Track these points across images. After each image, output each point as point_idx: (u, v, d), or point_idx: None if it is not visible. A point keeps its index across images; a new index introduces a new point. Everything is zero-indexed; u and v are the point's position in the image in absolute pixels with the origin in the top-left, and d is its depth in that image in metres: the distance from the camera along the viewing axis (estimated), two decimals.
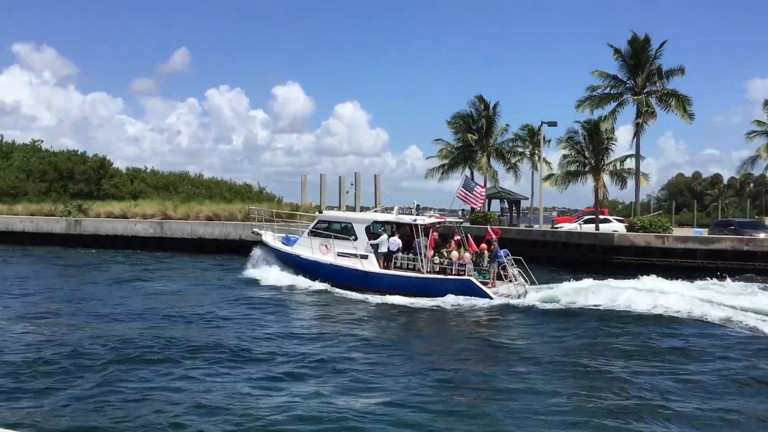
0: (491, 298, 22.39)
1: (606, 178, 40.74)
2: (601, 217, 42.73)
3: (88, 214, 47.70)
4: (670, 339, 16.91)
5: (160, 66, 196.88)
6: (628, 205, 70.37)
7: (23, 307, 19.73)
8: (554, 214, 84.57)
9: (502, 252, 24.01)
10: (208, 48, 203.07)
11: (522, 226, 48.45)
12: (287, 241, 27.66)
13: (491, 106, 50.79)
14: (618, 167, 40.92)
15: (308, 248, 25.97)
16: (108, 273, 29.42)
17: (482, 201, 30.07)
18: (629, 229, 37.37)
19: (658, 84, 41.94)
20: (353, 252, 24.83)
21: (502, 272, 23.64)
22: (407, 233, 24.97)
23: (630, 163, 41.57)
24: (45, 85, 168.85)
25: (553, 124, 47.02)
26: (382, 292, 23.32)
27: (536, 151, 50.98)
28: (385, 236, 24.72)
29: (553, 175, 44.72)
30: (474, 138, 50.92)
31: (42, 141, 69.86)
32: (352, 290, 23.68)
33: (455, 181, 50.86)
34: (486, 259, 23.87)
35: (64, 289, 23.90)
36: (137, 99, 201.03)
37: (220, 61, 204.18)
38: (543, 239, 39.60)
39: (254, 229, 30.48)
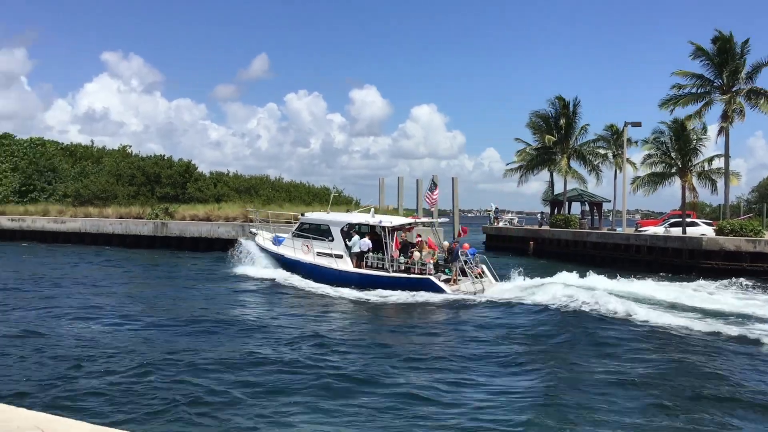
0: (446, 293, 23.92)
1: (694, 179, 39.29)
2: (688, 220, 41.17)
3: (174, 217, 49.37)
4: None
5: (241, 72, 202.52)
6: (716, 207, 67.59)
7: (120, 308, 20.53)
8: (638, 217, 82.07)
9: (470, 251, 25.75)
10: (287, 53, 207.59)
11: (604, 230, 47.26)
12: (276, 242, 29.58)
13: (571, 105, 49.76)
14: (706, 168, 39.39)
15: (291, 248, 28.08)
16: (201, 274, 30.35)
17: (433, 203, 31.45)
18: (718, 232, 35.85)
19: (745, 82, 40.10)
20: (329, 252, 26.64)
21: (467, 270, 24.97)
22: (377, 234, 26.58)
23: (718, 163, 39.96)
24: (132, 92, 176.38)
25: (637, 124, 45.62)
26: (357, 287, 24.86)
27: (619, 152, 49.57)
28: (357, 237, 26.57)
29: (638, 177, 43.39)
30: (553, 139, 49.99)
31: (131, 146, 72.93)
32: (325, 285, 25.34)
33: (534, 183, 50.38)
34: (466, 258, 25.47)
35: (151, 292, 24.79)
36: (219, 105, 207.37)
37: (299, 66, 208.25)
38: (626, 243, 38.52)
39: (251, 230, 32.58)
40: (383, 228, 25.86)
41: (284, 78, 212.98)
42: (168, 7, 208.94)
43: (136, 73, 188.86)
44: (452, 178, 57.75)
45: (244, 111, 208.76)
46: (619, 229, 44.71)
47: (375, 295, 23.77)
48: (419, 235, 28.06)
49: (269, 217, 34.90)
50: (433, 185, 31.35)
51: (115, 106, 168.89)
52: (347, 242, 26.47)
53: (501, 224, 57.94)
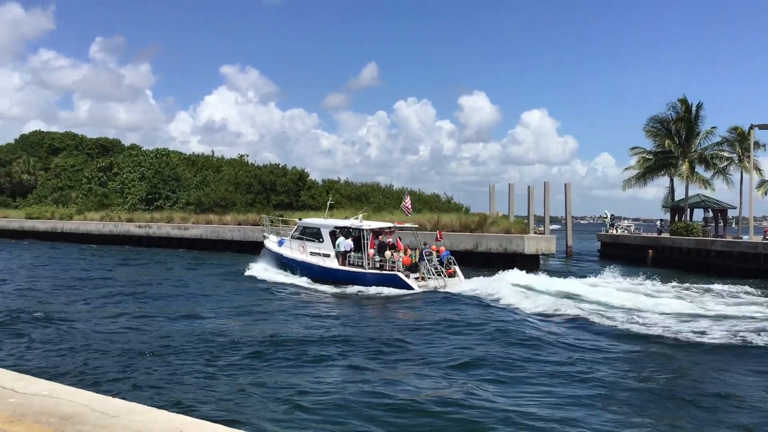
0: (412, 288, 26.92)
1: None
2: None
3: (288, 224, 50.74)
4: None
5: (351, 81, 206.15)
6: None
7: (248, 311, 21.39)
8: (765, 224, 77.28)
9: (444, 254, 29.40)
10: (395, 62, 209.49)
11: (729, 238, 44.75)
12: (280, 243, 33.28)
13: (693, 108, 47.44)
14: None
15: (290, 249, 31.94)
16: None
17: (407, 211, 35.26)
18: None
19: None
20: (319, 252, 30.39)
21: (440, 268, 28.32)
22: (357, 236, 29.78)
23: None
24: (249, 104, 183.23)
25: (765, 126, 42.91)
26: (337, 284, 28.35)
27: (746, 156, 46.75)
28: (342, 239, 29.87)
29: (766, 182, 40.81)
30: (673, 143, 47.83)
31: (248, 155, 75.76)
32: (318, 282, 28.89)
33: (652, 189, 48.24)
34: (436, 258, 28.81)
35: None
36: (330, 113, 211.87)
37: (408, 74, 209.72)
38: (754, 251, 36.32)
39: (264, 233, 36.25)
40: (362, 231, 29.35)
41: (393, 86, 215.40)
42: (281, 22, 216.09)
43: (252, 85, 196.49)
44: (565, 185, 56.53)
45: (354, 119, 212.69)
46: (745, 237, 42.16)
47: (352, 290, 27.27)
48: (400, 238, 31.53)
49: (279, 223, 38.71)
50: (407, 196, 36.32)
51: (232, 117, 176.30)
52: (334, 243, 29.95)
53: (617, 231, 55.99)
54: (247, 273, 32.14)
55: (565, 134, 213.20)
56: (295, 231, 32.29)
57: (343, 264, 29.35)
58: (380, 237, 29.88)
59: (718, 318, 20.83)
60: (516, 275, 28.89)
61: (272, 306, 22.88)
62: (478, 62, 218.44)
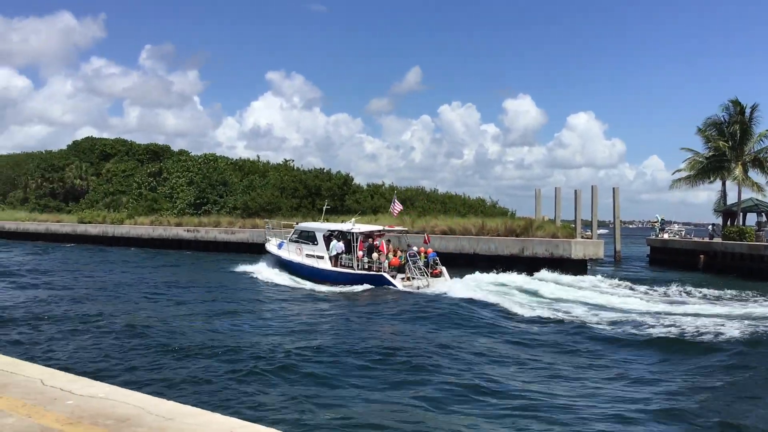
0: (396, 287, 28.74)
1: None
2: None
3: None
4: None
5: (395, 85, 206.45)
6: None
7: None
8: None
9: (431, 255, 31.24)
10: (440, 65, 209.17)
11: None
12: (280, 246, 35.19)
13: (747, 109, 46.20)
14: None
15: (288, 251, 33.91)
16: None
17: (395, 213, 38.36)
18: None
19: None
20: (314, 254, 32.32)
21: (424, 269, 30.09)
22: (348, 239, 31.67)
23: None
24: (294, 109, 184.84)
25: None
26: (330, 283, 30.19)
27: None
28: (335, 242, 31.80)
29: None
30: (727, 146, 46.64)
31: (293, 160, 76.42)
32: (313, 282, 30.81)
33: (702, 193, 47.24)
34: (422, 259, 30.77)
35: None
36: (374, 118, 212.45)
37: (452, 78, 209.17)
38: None
39: (267, 236, 38.66)
40: (352, 234, 31.35)
41: (437, 90, 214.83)
42: (326, 28, 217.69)
43: (297, 91, 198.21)
44: (613, 188, 55.60)
45: (398, 123, 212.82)
46: None
47: (341, 289, 29.08)
48: (389, 241, 33.75)
49: (281, 227, 40.35)
50: (395, 199, 39.30)
51: (277, 123, 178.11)
52: (328, 246, 31.80)
53: (667, 236, 54.80)
54: (247, 271, 34.45)
55: (613, 137, 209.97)
56: (293, 234, 34.32)
57: (336, 265, 31.29)
58: (370, 240, 32.15)
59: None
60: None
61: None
62: (523, 65, 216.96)
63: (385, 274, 29.51)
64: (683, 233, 59.44)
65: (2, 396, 5.20)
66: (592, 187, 53.37)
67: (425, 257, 31.05)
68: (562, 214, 53.68)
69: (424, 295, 26.81)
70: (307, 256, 32.58)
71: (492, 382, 13.02)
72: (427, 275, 29.94)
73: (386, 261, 30.30)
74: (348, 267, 30.91)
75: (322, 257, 31.84)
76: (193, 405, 5.16)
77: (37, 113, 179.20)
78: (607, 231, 74.29)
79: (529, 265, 38.65)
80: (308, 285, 30.21)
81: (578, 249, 39.26)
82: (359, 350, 15.64)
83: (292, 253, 33.57)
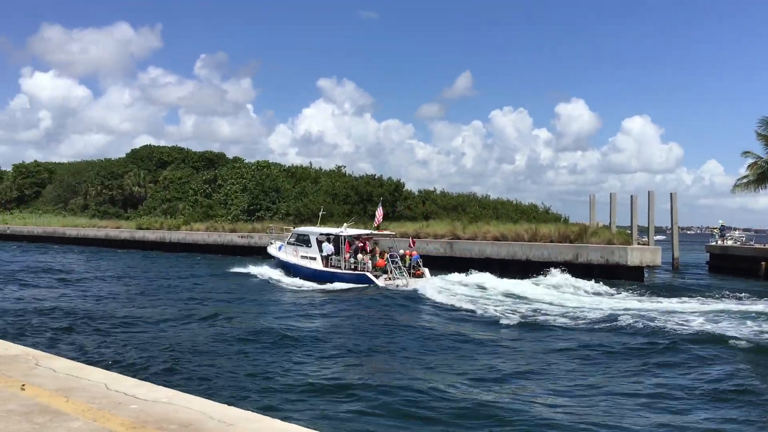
0: (378, 285, 31.14)
1: None
2: None
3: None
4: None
5: (445, 90, 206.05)
6: None
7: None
8: None
9: (415, 257, 34.41)
10: (490, 70, 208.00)
11: None
12: (280, 249, 38.39)
13: None
14: None
15: (286, 253, 37.20)
16: None
17: (378, 220, 40.67)
18: None
19: None
20: (308, 255, 35.44)
21: (404, 269, 32.71)
22: (336, 242, 34.90)
23: None
24: (345, 115, 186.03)
25: None
26: (321, 282, 32.93)
27: None
28: (326, 244, 35.05)
29: None
30: None
31: (345, 167, 76.87)
32: (306, 281, 33.58)
33: (763, 198, 45.54)
34: (407, 261, 33.76)
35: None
36: (425, 124, 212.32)
37: (503, 83, 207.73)
38: None
39: (270, 240, 42.05)
40: (340, 237, 34.56)
41: (488, 95, 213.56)
42: (377, 34, 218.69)
43: (348, 97, 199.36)
44: (671, 194, 54.29)
45: (449, 129, 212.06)
46: None
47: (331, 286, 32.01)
48: (376, 243, 36.63)
49: (283, 231, 42.97)
50: (380, 207, 41.94)
51: (329, 129, 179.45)
52: (321, 248, 34.91)
53: (727, 242, 53.22)
54: (251, 273, 37.32)
55: (670, 141, 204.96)
56: (291, 237, 37.66)
57: (327, 266, 34.41)
58: (357, 242, 35.23)
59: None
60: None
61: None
62: (576, 68, 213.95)
63: (368, 274, 32.34)
64: (744, 239, 57.66)
65: (69, 400, 5.34)
66: (648, 192, 52.10)
67: (410, 259, 34.08)
68: (618, 221, 52.56)
69: (398, 292, 29.36)
70: (302, 257, 35.84)
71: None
72: (406, 275, 32.42)
73: (370, 262, 33.30)
74: (336, 267, 34.01)
75: (314, 258, 35.03)
76: (253, 410, 5.22)
77: (96, 122, 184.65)
78: (664, 237, 72.60)
79: (583, 271, 38.05)
80: (305, 284, 32.88)
81: (635, 256, 38.45)
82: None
83: (290, 254, 36.85)
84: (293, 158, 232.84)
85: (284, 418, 5.06)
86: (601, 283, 33.08)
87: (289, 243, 37.37)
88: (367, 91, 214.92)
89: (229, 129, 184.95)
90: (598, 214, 52.32)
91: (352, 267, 33.45)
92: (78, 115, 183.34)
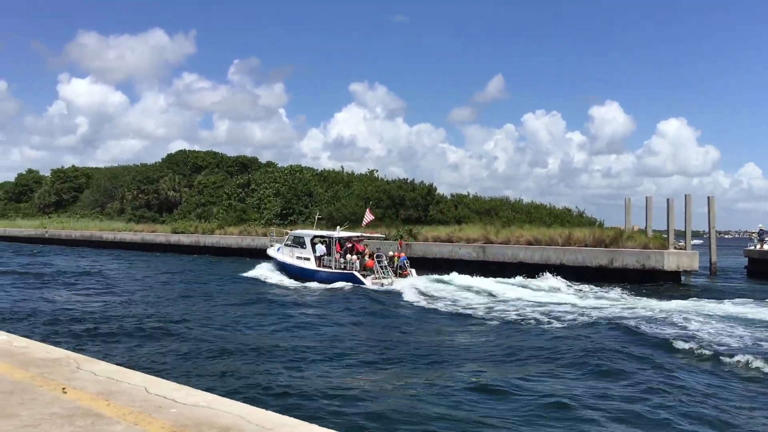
0: (364, 284, 33.86)
1: None
2: None
3: (417, 239, 51.06)
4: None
5: (477, 94, 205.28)
6: None
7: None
8: None
9: (402, 259, 37.32)
10: (523, 73, 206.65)
11: None
12: (278, 250, 40.97)
13: None
14: None
15: (283, 254, 39.93)
16: None
17: (367, 222, 42.78)
18: None
19: None
20: (302, 256, 38.21)
21: (389, 269, 35.59)
22: (329, 243, 37.57)
23: None
24: (376, 119, 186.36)
25: None
26: (313, 281, 35.81)
27: None
28: (319, 245, 37.65)
29: None
30: None
31: (377, 170, 76.98)
32: (300, 280, 36.35)
33: None
34: (395, 262, 36.77)
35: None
36: (457, 127, 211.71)
37: (536, 86, 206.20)
38: None
39: (269, 242, 44.99)
40: (331, 239, 37.42)
41: (521, 98, 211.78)
42: (408, 38, 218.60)
43: (380, 102, 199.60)
44: (708, 197, 53.28)
45: (481, 133, 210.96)
46: None
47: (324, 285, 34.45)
48: (366, 245, 39.12)
49: (282, 234, 46.36)
50: (368, 211, 44.40)
51: (361, 133, 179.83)
52: (314, 249, 37.51)
53: (766, 247, 52.08)
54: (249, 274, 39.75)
55: (706, 144, 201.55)
56: (287, 240, 40.37)
57: (319, 266, 36.99)
58: (347, 244, 37.89)
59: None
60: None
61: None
62: (609, 71, 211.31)
63: (356, 273, 34.91)
64: None
65: (110, 403, 5.42)
66: (685, 195, 51.19)
67: (398, 260, 36.98)
68: (654, 224, 51.75)
69: (380, 291, 32.44)
70: (297, 257, 38.51)
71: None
72: (392, 275, 35.18)
73: (358, 262, 36.10)
74: (327, 267, 36.62)
75: (308, 259, 37.72)
76: (291, 415, 5.24)
77: (132, 127, 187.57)
78: (701, 242, 71.31)
79: (618, 276, 37.58)
80: (296, 283, 35.80)
81: (671, 260, 37.86)
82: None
83: (286, 255, 39.47)
84: (325, 162, 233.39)
85: (322, 424, 5.06)
86: (621, 288, 33.47)
87: (286, 245, 40.11)
88: (399, 95, 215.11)
89: (262, 134, 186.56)
90: (634, 218, 51.53)
91: (342, 267, 36.03)
92: (114, 121, 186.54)
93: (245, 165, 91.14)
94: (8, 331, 9.54)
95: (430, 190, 61.08)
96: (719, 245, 58.68)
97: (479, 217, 54.32)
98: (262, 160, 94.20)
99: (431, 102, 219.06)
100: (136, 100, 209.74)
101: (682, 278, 38.78)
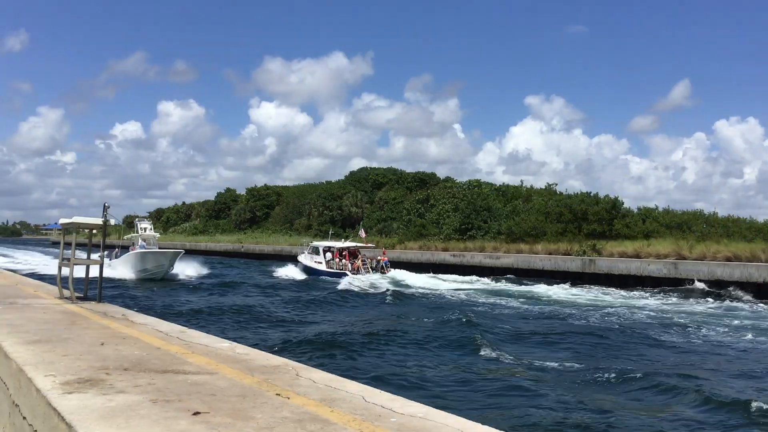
0: (348, 276, 47.37)
1: None
2: None
3: (601, 254, 49.24)
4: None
5: (660, 101, 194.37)
6: None
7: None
8: None
9: (385, 261, 52.59)
10: (713, 76, 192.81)
11: None
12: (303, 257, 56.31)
13: None
14: None
15: (305, 259, 54.71)
16: None
17: (362, 236, 61.38)
18: None
19: None
20: (317, 260, 52.82)
21: (369, 267, 50.79)
22: (332, 252, 53.12)
23: None
24: (553, 132, 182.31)
25: None
26: (323, 277, 49.05)
27: None
28: (327, 253, 52.43)
29: None
30: None
31: (556, 184, 75.21)
32: (314, 276, 50.04)
33: None
34: (380, 264, 52.07)
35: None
36: (640, 138, 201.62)
37: (728, 89, 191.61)
38: None
39: (302, 251, 58.39)
40: (332, 248, 53.11)
41: (711, 104, 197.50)
42: (585, 48, 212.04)
43: (557, 114, 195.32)
44: None
45: (668, 142, 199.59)
46: None
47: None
48: (359, 252, 53.49)
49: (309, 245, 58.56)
50: (361, 228, 63.77)
51: (537, 146, 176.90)
52: (324, 256, 52.33)
53: None
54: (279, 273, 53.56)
55: None
56: (308, 249, 55.95)
57: (327, 267, 51.34)
58: (345, 252, 52.77)
59: None
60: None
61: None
62: None
63: (347, 272, 49.40)
64: None
65: (333, 410, 5.76)
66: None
67: (382, 262, 52.09)
68: None
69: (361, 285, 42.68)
70: (315, 262, 53.00)
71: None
72: (370, 272, 50.30)
73: (349, 264, 50.83)
74: (331, 268, 51.14)
75: (321, 263, 52.31)
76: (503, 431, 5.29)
77: (315, 147, 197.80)
78: None
79: None
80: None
81: None
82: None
83: (308, 260, 54.23)
84: (500, 176, 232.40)
85: None
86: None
87: (308, 253, 55.25)
88: (577, 107, 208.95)
89: (437, 149, 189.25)
90: None
91: (340, 268, 50.76)
92: (298, 141, 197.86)
93: (423, 180, 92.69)
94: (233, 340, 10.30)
95: (616, 203, 58.70)
96: None
97: (669, 232, 51.36)
98: (439, 175, 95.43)
99: (611, 112, 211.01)
100: (318, 121, 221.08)
101: None
